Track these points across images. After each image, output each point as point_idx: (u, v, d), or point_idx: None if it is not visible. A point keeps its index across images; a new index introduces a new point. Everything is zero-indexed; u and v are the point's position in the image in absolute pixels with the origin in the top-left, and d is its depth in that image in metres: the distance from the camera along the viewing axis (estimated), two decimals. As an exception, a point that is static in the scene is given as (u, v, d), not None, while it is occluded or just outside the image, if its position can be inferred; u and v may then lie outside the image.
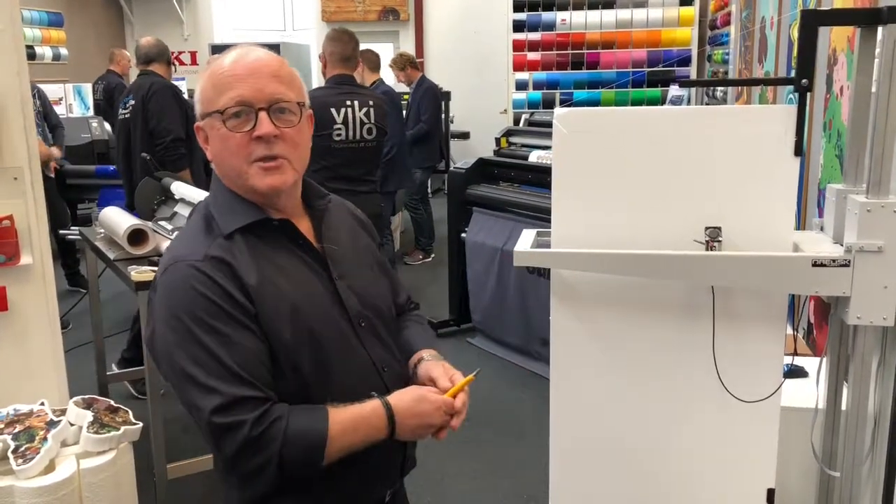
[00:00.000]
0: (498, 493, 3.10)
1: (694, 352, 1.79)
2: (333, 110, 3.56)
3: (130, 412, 2.49)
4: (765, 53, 4.68)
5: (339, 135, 3.58)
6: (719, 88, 6.50)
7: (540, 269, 4.08)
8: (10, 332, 2.50)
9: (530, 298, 4.19)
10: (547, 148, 5.00)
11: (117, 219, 3.10)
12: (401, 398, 1.30)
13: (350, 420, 1.25)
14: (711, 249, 1.71)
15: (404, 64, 6.73)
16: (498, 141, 5.91)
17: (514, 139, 5.88)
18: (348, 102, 3.61)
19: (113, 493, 2.32)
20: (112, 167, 5.55)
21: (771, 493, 1.83)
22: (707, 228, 1.72)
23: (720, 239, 1.71)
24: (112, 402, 2.49)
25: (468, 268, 4.59)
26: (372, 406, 1.28)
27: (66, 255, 5.73)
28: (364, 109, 3.64)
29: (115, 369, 4.01)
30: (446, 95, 7.39)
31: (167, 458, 2.80)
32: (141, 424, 2.46)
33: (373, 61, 5.87)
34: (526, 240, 1.91)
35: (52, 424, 2.31)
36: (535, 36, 8.14)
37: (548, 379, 1.87)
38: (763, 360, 1.77)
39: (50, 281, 2.58)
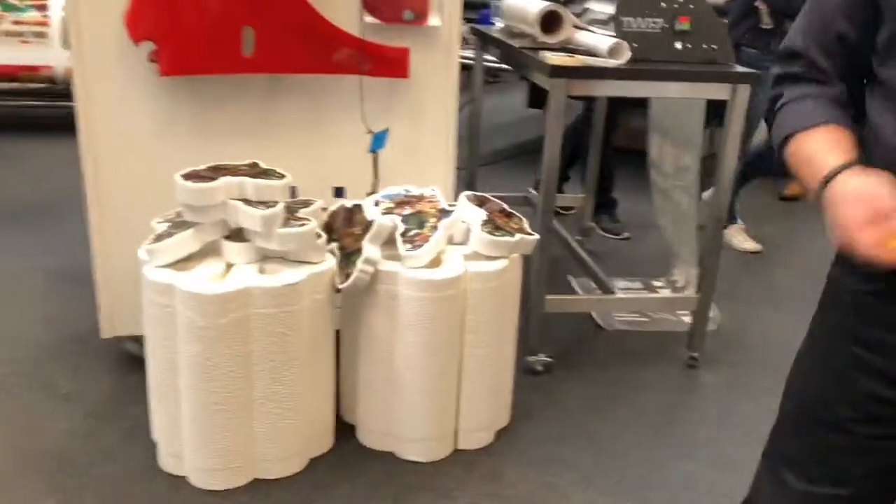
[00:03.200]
0: None
1: None
2: None
3: (525, 220, 2.07)
4: None
5: None
6: None
7: None
8: (407, 104, 2.17)
9: None
10: None
11: (526, 4, 2.61)
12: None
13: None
14: None
15: None
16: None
17: None
18: None
19: (497, 307, 1.94)
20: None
21: None
22: None
23: None
24: (506, 206, 2.09)
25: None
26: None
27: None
28: None
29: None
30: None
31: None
32: (537, 236, 2.03)
33: None
34: None
35: (444, 213, 1.96)
36: None
37: None
38: None
39: (455, 51, 2.19)
